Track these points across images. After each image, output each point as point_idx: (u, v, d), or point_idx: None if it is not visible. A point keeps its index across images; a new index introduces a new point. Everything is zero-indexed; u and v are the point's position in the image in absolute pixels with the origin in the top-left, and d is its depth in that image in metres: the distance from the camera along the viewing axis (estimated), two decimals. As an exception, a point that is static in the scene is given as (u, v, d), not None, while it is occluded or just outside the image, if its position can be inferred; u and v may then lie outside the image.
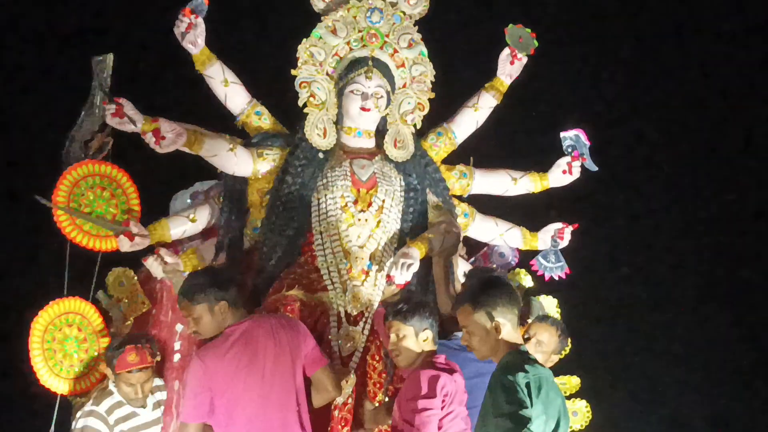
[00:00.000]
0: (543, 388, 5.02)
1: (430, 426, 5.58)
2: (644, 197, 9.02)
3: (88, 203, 6.39)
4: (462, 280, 6.91)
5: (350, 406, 6.23)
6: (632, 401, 8.65)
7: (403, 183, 6.84)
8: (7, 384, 7.39)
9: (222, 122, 6.85)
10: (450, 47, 7.29)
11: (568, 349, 6.88)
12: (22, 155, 7.74)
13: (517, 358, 5.13)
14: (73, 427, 6.30)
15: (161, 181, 7.04)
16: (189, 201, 6.99)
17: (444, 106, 7.14)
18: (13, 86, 8.05)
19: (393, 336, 5.89)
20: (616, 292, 8.97)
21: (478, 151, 7.21)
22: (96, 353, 6.47)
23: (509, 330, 5.23)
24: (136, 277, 6.67)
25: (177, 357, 6.55)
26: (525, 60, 7.11)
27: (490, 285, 5.34)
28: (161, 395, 6.40)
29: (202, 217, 6.77)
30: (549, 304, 7.11)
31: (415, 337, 5.83)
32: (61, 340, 6.39)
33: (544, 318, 6.66)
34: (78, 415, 6.29)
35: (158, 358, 6.42)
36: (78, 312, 6.46)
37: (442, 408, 5.66)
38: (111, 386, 6.27)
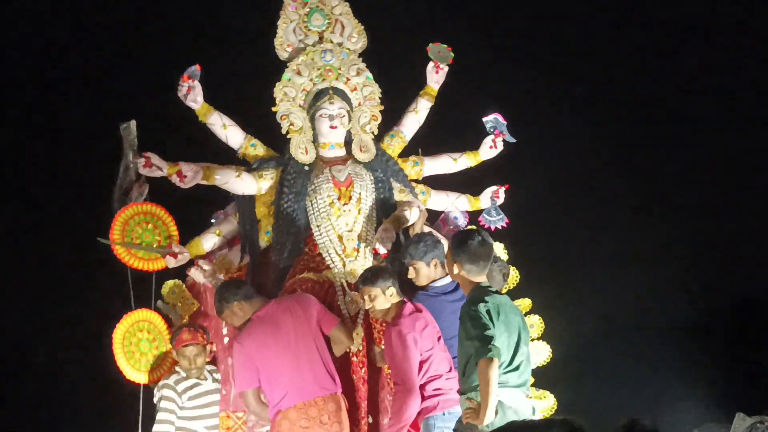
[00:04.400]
0: (501, 312, 5.27)
1: (411, 374, 5.83)
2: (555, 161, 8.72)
3: (138, 236, 6.61)
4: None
5: (363, 351, 6.48)
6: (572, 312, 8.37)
7: (372, 178, 6.96)
8: (98, 383, 7.39)
9: (227, 157, 7.00)
10: (390, 67, 7.47)
11: (516, 279, 7.11)
12: (81, 208, 7.67)
13: (479, 292, 5.34)
14: (155, 400, 6.50)
15: (189, 209, 7.02)
16: (213, 220, 7.07)
17: (392, 112, 7.34)
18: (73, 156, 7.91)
19: (366, 299, 6.05)
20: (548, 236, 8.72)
21: (424, 143, 7.38)
22: (165, 348, 6.63)
23: (474, 273, 5.40)
24: (184, 285, 6.83)
25: (226, 339, 6.75)
26: (446, 69, 7.24)
27: (456, 243, 5.49)
28: (218, 375, 6.60)
29: (226, 231, 6.94)
30: (498, 249, 6.96)
31: (383, 295, 6.00)
32: (136, 343, 6.58)
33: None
34: (155, 389, 6.50)
35: (211, 346, 6.58)
36: (146, 319, 6.63)
37: (417, 346, 5.86)
38: (177, 368, 6.49)
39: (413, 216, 6.85)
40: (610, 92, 8.88)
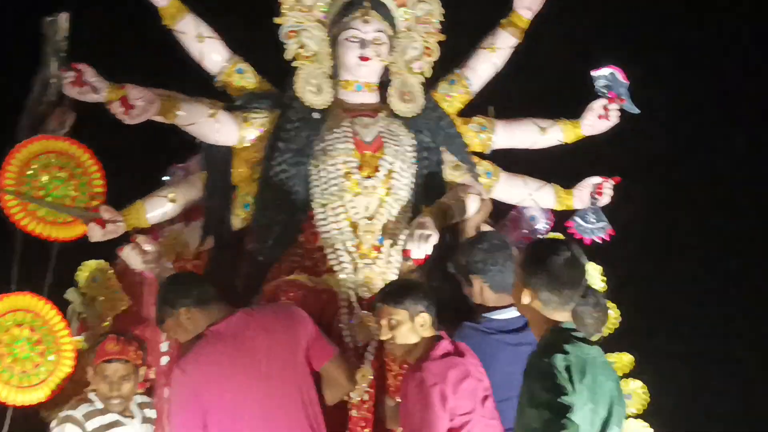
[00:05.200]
0: (588, 371, 4.25)
1: None
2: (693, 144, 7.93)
3: (41, 186, 5.64)
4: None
5: (369, 403, 5.46)
6: (697, 378, 7.61)
7: (413, 142, 5.97)
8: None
9: (200, 87, 6.01)
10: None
11: (616, 323, 6.19)
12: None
13: (558, 338, 4.34)
14: None
15: (131, 158, 6.36)
16: (166, 178, 6.24)
17: (455, 50, 6.21)
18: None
19: (385, 324, 5.21)
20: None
21: (499, 100, 6.30)
22: (54, 356, 5.70)
23: (554, 306, 4.42)
24: (111, 271, 5.81)
25: (165, 360, 5.75)
26: None
27: (531, 257, 4.52)
28: (151, 413, 5.69)
29: (183, 197, 5.94)
30: (592, 273, 6.09)
31: (411, 322, 5.15)
32: (8, 343, 5.62)
33: None
34: (53, 423, 5.53)
35: (148, 370, 5.77)
36: (29, 309, 5.65)
37: (446, 405, 4.98)
38: (91, 395, 5.50)
39: (470, 207, 5.97)
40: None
